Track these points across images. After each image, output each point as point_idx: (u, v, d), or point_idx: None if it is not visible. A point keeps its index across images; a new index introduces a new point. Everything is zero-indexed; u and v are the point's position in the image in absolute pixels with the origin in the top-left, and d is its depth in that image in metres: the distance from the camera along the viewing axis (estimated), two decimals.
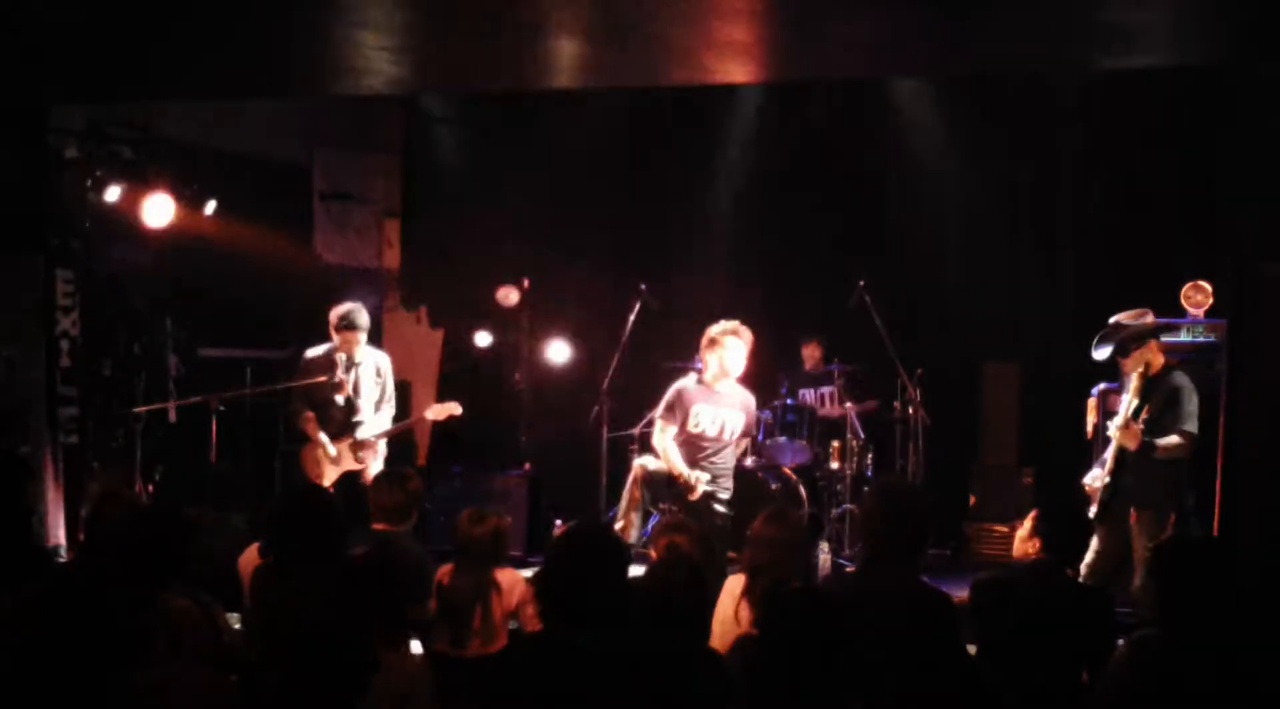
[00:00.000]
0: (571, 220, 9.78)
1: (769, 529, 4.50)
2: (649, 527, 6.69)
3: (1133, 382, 6.07)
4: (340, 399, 7.16)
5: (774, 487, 7.68)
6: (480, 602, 4.76)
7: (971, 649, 3.98)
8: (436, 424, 9.61)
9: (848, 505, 8.30)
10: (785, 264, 9.48)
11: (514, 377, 9.46)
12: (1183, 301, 7.19)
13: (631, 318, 8.16)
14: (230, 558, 4.94)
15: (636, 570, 3.94)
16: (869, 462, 8.60)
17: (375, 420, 7.25)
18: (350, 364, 7.18)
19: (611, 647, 3.32)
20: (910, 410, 8.31)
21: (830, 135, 9.38)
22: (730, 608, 4.42)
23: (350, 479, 7.05)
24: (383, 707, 3.29)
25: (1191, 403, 6.01)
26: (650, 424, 7.24)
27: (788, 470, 7.95)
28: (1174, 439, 5.96)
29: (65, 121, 7.63)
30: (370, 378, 7.25)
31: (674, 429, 6.75)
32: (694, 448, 6.74)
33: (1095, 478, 6.18)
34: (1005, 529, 8.11)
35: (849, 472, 8.42)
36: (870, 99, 9.08)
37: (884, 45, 5.65)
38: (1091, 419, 6.80)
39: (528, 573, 4.88)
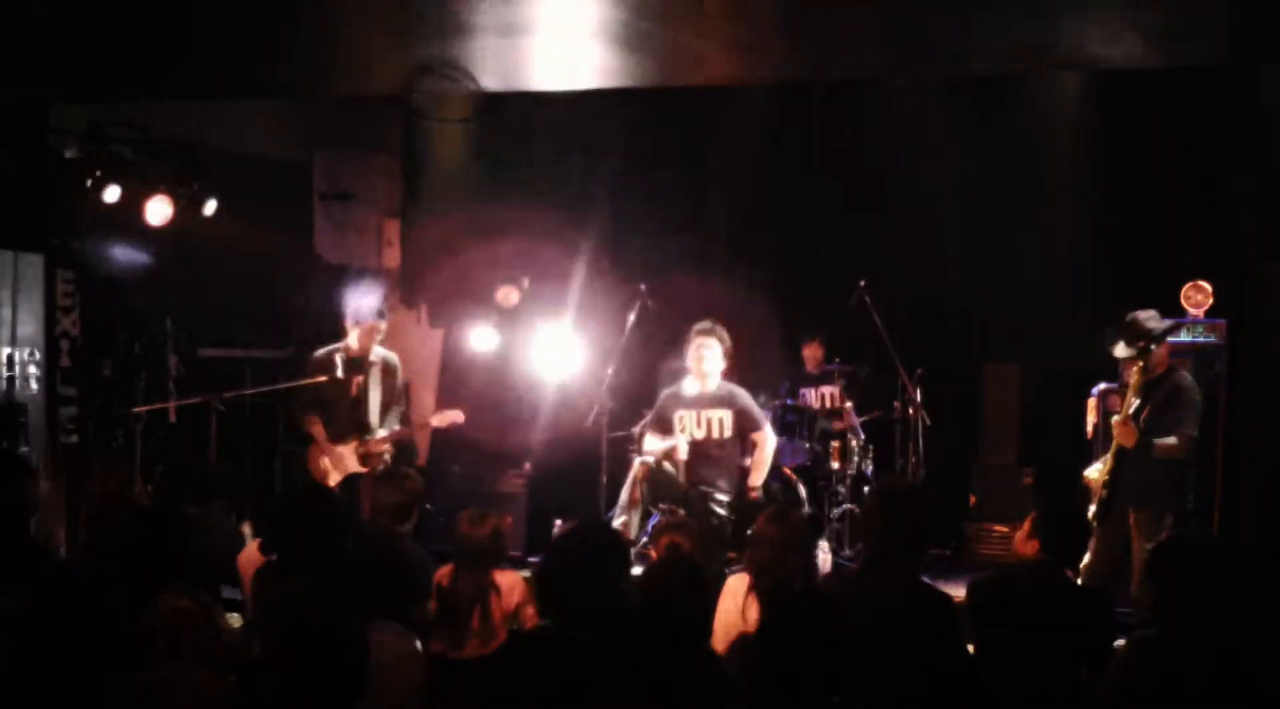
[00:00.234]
0: (571, 220, 9.78)
1: (770, 529, 4.51)
2: (649, 527, 6.69)
3: (1133, 380, 6.07)
4: (345, 399, 7.12)
5: (774, 486, 7.68)
6: (480, 602, 4.76)
7: (972, 649, 3.98)
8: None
9: (848, 505, 8.30)
10: (785, 264, 9.47)
11: (514, 377, 9.45)
12: (1183, 302, 7.19)
13: (631, 318, 8.15)
14: (230, 557, 4.94)
15: (636, 570, 3.94)
16: (869, 462, 8.60)
17: (384, 422, 7.22)
18: (354, 365, 7.11)
19: (610, 645, 3.32)
20: (910, 410, 8.31)
21: (830, 135, 9.38)
22: (733, 608, 4.42)
23: (354, 481, 7.02)
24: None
25: (1194, 405, 6.01)
26: (649, 420, 7.25)
27: (788, 470, 7.95)
28: (1171, 440, 5.96)
29: (65, 121, 7.62)
30: (378, 378, 7.19)
31: (658, 440, 6.73)
32: (689, 453, 6.73)
33: (1095, 470, 6.19)
34: (1005, 529, 8.11)
35: (849, 472, 8.42)
36: (870, 99, 9.08)
37: (884, 45, 5.66)
38: (1091, 419, 6.80)
39: (527, 574, 4.88)
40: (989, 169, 9.00)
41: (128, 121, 7.79)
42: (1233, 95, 8.12)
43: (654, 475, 6.79)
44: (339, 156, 9.87)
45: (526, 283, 9.32)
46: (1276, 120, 7.94)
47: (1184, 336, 6.98)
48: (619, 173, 9.74)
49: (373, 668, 3.21)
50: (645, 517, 6.85)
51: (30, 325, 7.45)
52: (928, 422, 8.29)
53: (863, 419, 8.61)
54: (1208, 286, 7.15)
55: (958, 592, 4.41)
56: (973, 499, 8.68)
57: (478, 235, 9.73)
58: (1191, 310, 7.16)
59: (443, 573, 4.87)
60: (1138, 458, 5.98)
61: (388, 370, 7.22)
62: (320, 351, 7.17)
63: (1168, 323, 6.21)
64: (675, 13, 4.96)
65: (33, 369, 7.41)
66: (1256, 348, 5.62)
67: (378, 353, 7.19)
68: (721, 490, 6.79)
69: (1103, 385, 6.88)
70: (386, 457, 7.18)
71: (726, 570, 5.86)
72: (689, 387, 6.79)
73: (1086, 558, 5.80)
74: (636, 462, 7.01)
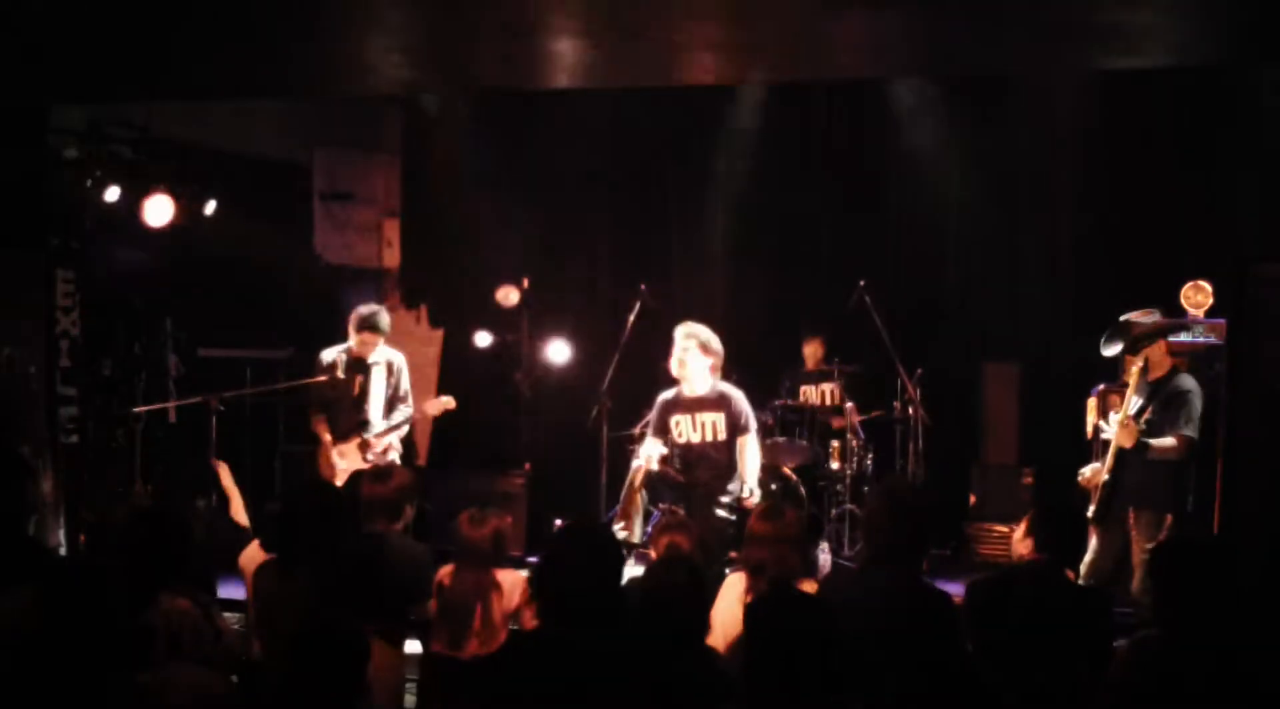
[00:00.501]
0: (571, 220, 9.78)
1: (762, 525, 4.52)
2: (649, 527, 6.69)
3: (1133, 379, 6.07)
4: (347, 399, 7.14)
5: (774, 486, 7.68)
6: (480, 602, 4.74)
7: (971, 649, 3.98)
8: (436, 424, 9.63)
9: (848, 505, 8.30)
10: (785, 264, 9.47)
11: (514, 376, 9.45)
12: (1183, 302, 7.19)
13: (631, 318, 8.15)
14: (229, 557, 4.93)
15: (636, 570, 3.94)
16: (869, 462, 8.60)
17: (387, 421, 7.23)
18: (356, 365, 7.17)
19: (609, 646, 3.32)
20: (910, 410, 8.30)
21: (830, 135, 9.38)
22: (733, 607, 4.41)
23: (356, 479, 7.02)
24: None
25: (1195, 407, 5.99)
26: (649, 425, 7.24)
27: (788, 470, 7.95)
28: (1169, 442, 5.94)
29: (65, 121, 7.63)
30: (382, 378, 7.22)
31: (660, 444, 6.73)
32: (686, 457, 6.72)
33: (1089, 469, 6.18)
34: (1005, 529, 8.10)
35: (849, 472, 8.42)
36: (870, 99, 9.08)
37: (884, 45, 5.66)
38: (1091, 419, 6.79)
39: (528, 573, 4.87)
40: (989, 169, 9.01)
41: (128, 121, 7.79)
42: (1233, 95, 8.12)
43: (654, 476, 6.79)
44: (339, 156, 9.87)
45: (526, 283, 9.32)
46: (1276, 120, 7.94)
47: (1184, 336, 6.98)
48: (619, 172, 9.75)
49: None
50: (645, 517, 6.85)
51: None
52: (928, 421, 8.29)
53: (863, 419, 8.61)
54: (1208, 286, 7.15)
55: (958, 592, 4.41)
56: (973, 499, 8.68)
57: (478, 235, 9.73)
58: (1191, 310, 7.16)
59: (443, 573, 4.85)
60: (1138, 458, 5.97)
61: (392, 370, 7.28)
62: (326, 352, 7.24)
63: (1155, 319, 6.18)
64: (676, 12, 4.96)
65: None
66: (1256, 348, 5.62)
67: (382, 352, 7.24)
68: (721, 491, 6.78)
69: (1103, 385, 6.88)
70: (392, 453, 7.20)
71: (726, 570, 5.86)
72: (684, 390, 6.79)
73: (1087, 558, 5.81)
74: (635, 462, 7.00)
